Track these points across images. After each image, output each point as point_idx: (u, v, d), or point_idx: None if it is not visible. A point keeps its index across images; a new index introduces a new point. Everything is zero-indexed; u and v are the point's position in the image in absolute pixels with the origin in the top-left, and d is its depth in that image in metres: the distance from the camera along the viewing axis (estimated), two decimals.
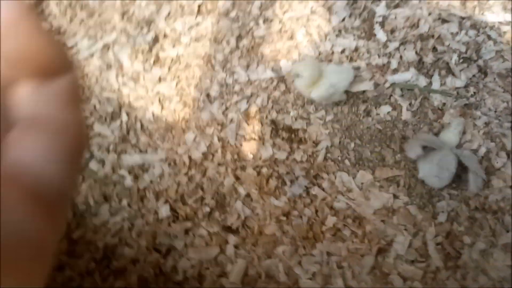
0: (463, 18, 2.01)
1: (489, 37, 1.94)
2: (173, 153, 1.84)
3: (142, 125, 1.92)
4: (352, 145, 1.79)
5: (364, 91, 1.84)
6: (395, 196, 1.64)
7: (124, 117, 1.95)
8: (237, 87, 1.99)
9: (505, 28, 1.96)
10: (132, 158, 1.84)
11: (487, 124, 1.73)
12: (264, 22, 2.19)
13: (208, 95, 1.99)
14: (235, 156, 1.79)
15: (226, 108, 1.94)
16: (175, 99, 1.98)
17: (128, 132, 1.92)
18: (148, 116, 1.94)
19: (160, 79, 2.04)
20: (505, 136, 1.68)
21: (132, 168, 1.83)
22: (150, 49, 2.14)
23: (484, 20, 1.99)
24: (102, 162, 1.85)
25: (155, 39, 2.18)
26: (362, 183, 1.69)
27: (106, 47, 2.18)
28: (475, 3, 2.07)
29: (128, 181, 1.78)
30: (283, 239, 1.64)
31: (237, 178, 1.72)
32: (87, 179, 1.81)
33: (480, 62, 1.87)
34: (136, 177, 1.80)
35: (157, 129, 1.92)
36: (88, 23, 2.25)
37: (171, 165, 1.81)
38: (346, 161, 1.75)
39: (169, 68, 2.08)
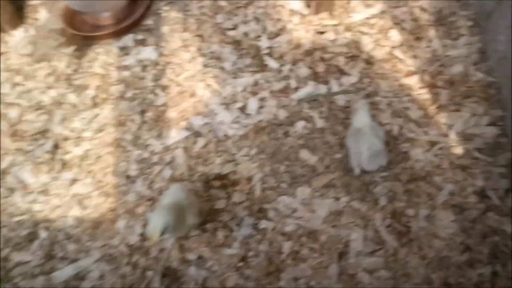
0: (335, 25, 2.42)
1: (362, 33, 2.34)
2: (108, 247, 1.94)
3: (65, 234, 2.01)
4: (283, 168, 2.02)
5: (275, 117, 2.10)
6: (336, 199, 1.87)
7: (42, 234, 2.04)
8: (155, 158, 2.17)
9: (373, 20, 2.39)
10: (64, 273, 1.91)
11: (389, 104, 2.05)
12: (162, 90, 2.45)
13: (128, 177, 2.14)
14: None
15: (151, 182, 2.11)
16: (95, 194, 2.11)
17: (52, 247, 1.98)
18: (70, 223, 2.05)
19: (73, 181, 2.17)
20: (408, 109, 2.01)
21: (67, 282, 1.88)
22: (53, 157, 2.28)
23: (353, 20, 2.41)
24: None
25: (55, 146, 2.35)
26: (303, 199, 1.90)
27: (4, 172, 2.26)
28: (340, 10, 2.51)
29: None
30: (247, 285, 1.75)
31: (181, 246, 1.83)
32: None
33: (364, 55, 2.24)
34: None
35: (84, 231, 2.02)
36: None
37: (109, 261, 1.89)
38: (283, 185, 1.97)
39: (79, 167, 2.22)
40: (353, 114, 1.90)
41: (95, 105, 2.48)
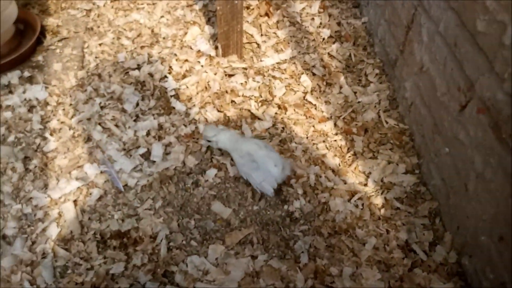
0: (245, 69, 2.27)
1: (274, 77, 2.22)
2: None
3: None
4: (193, 222, 1.75)
5: (183, 164, 1.85)
6: (253, 257, 1.63)
7: None
8: (39, 213, 1.78)
9: (284, 66, 2.29)
10: None
11: (304, 151, 1.90)
12: (51, 134, 2.07)
13: (3, 237, 1.71)
14: None
15: (33, 242, 1.70)
16: None
17: None
18: None
19: None
20: (325, 156, 1.88)
21: None
22: None
23: (264, 65, 2.29)
24: None
25: None
26: (216, 258, 1.63)
27: None
28: (251, 54, 2.38)
29: None
30: None
31: None
32: None
33: (277, 100, 2.10)
34: None
35: None
36: None
37: None
38: (193, 242, 1.69)
39: None
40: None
41: None
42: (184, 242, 1.69)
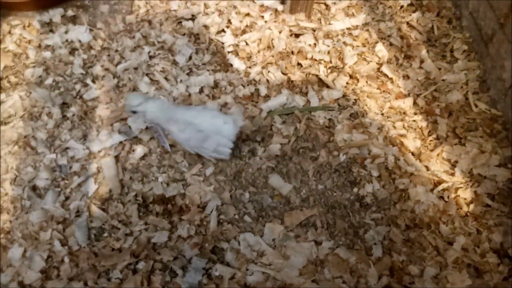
0: (314, 30, 1.95)
1: (345, 43, 1.91)
2: None
3: None
4: (247, 195, 1.48)
5: (240, 128, 1.57)
6: (317, 243, 1.36)
7: None
8: (76, 166, 1.54)
9: (356, 32, 1.97)
10: None
11: (380, 129, 1.61)
12: (93, 81, 1.81)
13: (34, 188, 1.48)
14: (93, 260, 1.30)
15: (66, 198, 1.46)
16: None
17: None
18: None
19: None
20: (404, 137, 1.58)
21: None
22: None
23: (334, 29, 1.97)
24: None
25: None
26: (273, 239, 1.37)
27: None
28: (318, 15, 2.06)
29: None
30: None
31: None
32: None
33: (347, 68, 1.80)
34: None
35: None
36: None
37: None
38: (246, 218, 1.42)
39: None
40: None
41: (1, 89, 1.78)
42: (236, 216, 1.44)
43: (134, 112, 1.42)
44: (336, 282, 1.26)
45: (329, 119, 1.66)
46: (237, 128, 1.45)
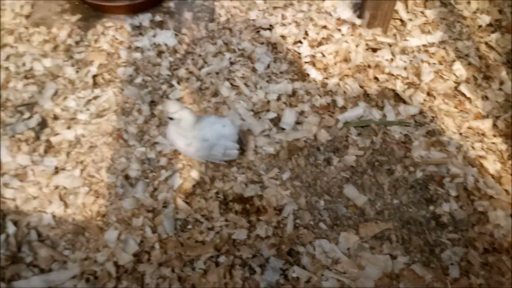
0: (390, 45, 1.96)
1: (421, 60, 1.90)
2: (91, 263, 1.38)
3: (39, 235, 1.43)
4: (322, 203, 1.52)
5: (315, 137, 1.62)
6: (392, 256, 1.38)
7: (10, 228, 1.46)
8: (163, 161, 1.64)
9: (432, 49, 1.96)
10: (29, 284, 1.33)
11: (459, 148, 1.60)
12: (178, 82, 1.92)
13: (127, 177, 1.59)
14: (179, 250, 1.38)
15: (155, 189, 1.56)
16: (83, 191, 1.55)
17: (19, 248, 1.41)
18: (46, 221, 1.47)
19: (57, 170, 1.60)
20: (483, 159, 1.56)
21: None
22: (37, 136, 1.71)
23: (409, 45, 1.97)
24: None
25: (42, 124, 1.77)
26: (348, 248, 1.40)
27: None
28: (394, 31, 2.07)
29: None
30: None
31: (188, 279, 1.30)
32: None
33: (424, 85, 1.79)
34: None
35: (63, 235, 1.45)
36: None
37: (90, 280, 1.33)
38: (322, 224, 1.47)
39: (68, 154, 1.66)
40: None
41: (96, 85, 1.93)
42: (312, 222, 1.48)
43: (171, 118, 1.45)
44: None
45: (405, 135, 1.67)
46: (237, 127, 1.52)
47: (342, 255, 1.37)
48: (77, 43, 2.09)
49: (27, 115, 1.80)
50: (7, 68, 1.96)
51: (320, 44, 2.04)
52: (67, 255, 1.40)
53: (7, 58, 2.01)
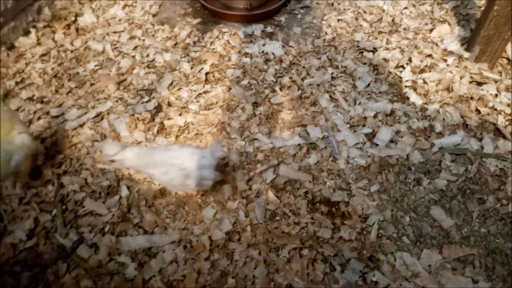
0: (495, 81, 1.95)
1: None
2: (188, 233, 1.53)
3: (146, 201, 1.62)
4: (407, 219, 1.56)
5: (408, 158, 1.65)
6: (474, 281, 1.37)
7: (123, 191, 1.65)
8: (260, 156, 1.77)
9: None
10: (135, 241, 1.51)
11: None
12: (281, 89, 2.06)
13: (226, 165, 1.74)
14: (267, 236, 1.49)
15: (250, 179, 1.69)
16: None
17: (129, 210, 1.60)
18: (154, 190, 1.65)
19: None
20: None
21: (135, 253, 1.48)
22: (153, 118, 1.93)
23: None
24: (94, 246, 1.49)
25: (158, 108, 1.99)
26: (429, 265, 1.42)
27: (100, 116, 1.94)
28: (499, 68, 2.05)
29: (131, 269, 1.42)
30: None
31: (272, 263, 1.40)
32: (73, 269, 1.43)
33: None
34: (140, 265, 1.44)
35: (167, 205, 1.62)
36: (77, 93, 2.03)
37: (186, 248, 1.48)
38: (405, 239, 1.50)
39: (177, 137, 1.85)
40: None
41: (207, 81, 2.13)
42: (395, 235, 1.52)
43: (112, 161, 1.44)
44: None
45: (501, 169, 1.65)
46: (215, 159, 1.51)
47: (422, 270, 1.40)
48: (194, 43, 2.33)
49: (146, 99, 2.03)
50: (133, 57, 2.23)
51: (422, 71, 2.08)
52: (168, 223, 1.56)
53: (135, 48, 2.28)
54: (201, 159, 1.46)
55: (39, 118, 1.88)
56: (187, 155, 1.47)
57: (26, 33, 2.28)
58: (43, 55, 2.19)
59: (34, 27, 2.31)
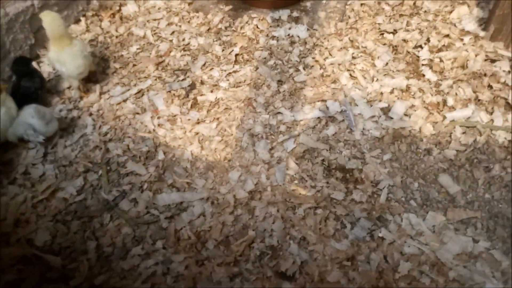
0: (510, 59, 1.96)
1: None
2: (216, 192, 1.68)
3: (180, 165, 1.78)
4: (416, 185, 1.64)
5: (420, 130, 1.72)
6: (475, 240, 1.44)
7: (160, 155, 1.82)
8: (282, 127, 1.89)
9: None
10: (169, 197, 1.68)
11: None
12: (304, 68, 2.16)
13: (252, 135, 1.87)
14: (285, 196, 1.61)
15: (272, 148, 1.82)
16: (216, 139, 1.86)
17: (164, 171, 1.77)
18: (186, 156, 1.81)
19: (198, 121, 1.95)
20: None
21: (169, 208, 1.65)
22: (187, 94, 2.08)
23: None
24: (134, 201, 1.67)
25: (192, 86, 2.14)
26: (433, 226, 1.50)
27: (141, 92, 2.11)
28: None
29: (164, 221, 1.59)
30: (349, 286, 1.40)
31: (289, 219, 1.53)
32: (115, 219, 1.61)
33: None
34: (172, 217, 1.61)
35: (197, 168, 1.78)
36: (121, 73, 2.21)
37: (214, 204, 1.63)
38: (412, 202, 1.58)
39: (208, 111, 2.00)
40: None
41: (236, 62, 2.26)
42: (403, 198, 1.60)
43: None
44: (486, 274, 1.34)
45: (509, 140, 1.69)
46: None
47: (426, 229, 1.48)
48: (226, 28, 2.45)
49: (181, 77, 2.19)
50: (171, 41, 2.39)
51: (440, 50, 2.11)
52: (198, 183, 1.72)
53: (172, 33, 2.44)
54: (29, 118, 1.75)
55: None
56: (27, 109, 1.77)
57: (77, 21, 2.49)
58: (91, 40, 2.39)
59: (84, 15, 2.51)
